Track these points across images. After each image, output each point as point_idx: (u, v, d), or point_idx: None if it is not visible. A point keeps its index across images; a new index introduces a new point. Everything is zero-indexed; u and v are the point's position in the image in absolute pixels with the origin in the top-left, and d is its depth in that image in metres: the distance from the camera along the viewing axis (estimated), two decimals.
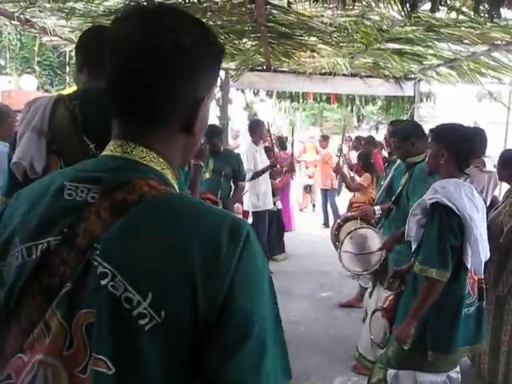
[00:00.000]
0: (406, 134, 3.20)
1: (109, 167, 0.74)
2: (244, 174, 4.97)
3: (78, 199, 0.72)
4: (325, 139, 9.30)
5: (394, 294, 2.62)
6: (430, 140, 2.38)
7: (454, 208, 2.11)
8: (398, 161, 3.85)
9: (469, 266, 2.19)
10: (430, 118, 9.16)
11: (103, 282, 0.65)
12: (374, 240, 3.36)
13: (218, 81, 0.86)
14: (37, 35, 4.97)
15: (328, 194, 8.43)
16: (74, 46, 5.40)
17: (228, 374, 0.65)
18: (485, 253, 2.24)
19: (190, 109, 0.77)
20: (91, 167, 0.77)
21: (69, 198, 0.73)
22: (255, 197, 5.72)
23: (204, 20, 4.44)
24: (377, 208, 3.78)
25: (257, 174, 5.56)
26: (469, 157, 2.33)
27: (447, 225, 2.13)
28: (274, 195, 6.48)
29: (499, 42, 4.44)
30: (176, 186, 0.80)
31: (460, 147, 2.28)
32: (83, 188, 0.73)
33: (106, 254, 0.67)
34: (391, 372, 2.38)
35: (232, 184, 4.81)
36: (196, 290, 0.65)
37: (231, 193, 4.80)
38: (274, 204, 6.53)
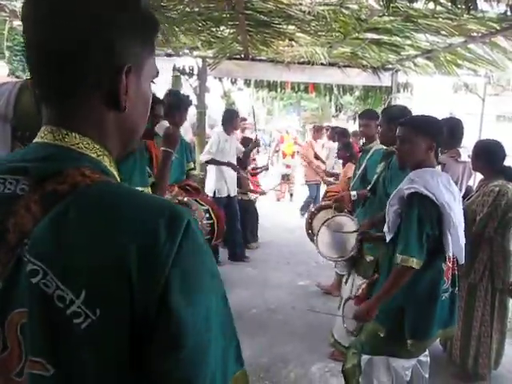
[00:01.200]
0: (393, 118, 3.12)
1: (39, 156, 0.69)
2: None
3: (7, 192, 0.67)
4: (317, 131, 8.84)
5: (367, 283, 2.65)
6: (404, 133, 2.33)
7: (433, 197, 2.14)
8: (372, 150, 3.90)
9: (450, 253, 2.23)
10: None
11: (34, 280, 0.61)
12: (350, 227, 3.39)
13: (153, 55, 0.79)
14: (7, 19, 4.82)
15: (318, 188, 8.44)
16: None
17: (169, 370, 0.63)
18: (462, 240, 2.28)
19: (110, 79, 0.71)
20: (20, 156, 0.71)
21: None
22: (219, 183, 5.75)
23: (181, 6, 4.38)
24: (353, 193, 3.84)
25: (216, 162, 5.64)
26: (443, 146, 2.37)
27: (426, 214, 2.15)
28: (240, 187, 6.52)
29: (475, 34, 4.50)
30: (116, 173, 0.76)
31: (443, 138, 2.31)
32: (12, 180, 0.68)
33: (36, 250, 0.63)
34: (365, 358, 2.41)
35: None
36: (131, 286, 0.61)
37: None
38: (246, 194, 6.58)
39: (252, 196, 6.70)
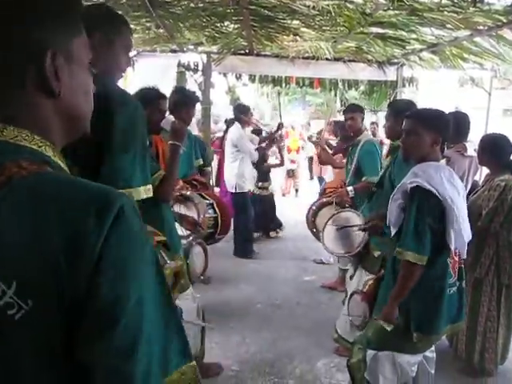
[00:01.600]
0: (399, 112, 3.10)
1: None
2: (210, 160, 5.05)
3: None
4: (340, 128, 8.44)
5: (374, 279, 2.64)
6: (411, 125, 2.33)
7: (435, 191, 2.13)
8: (362, 142, 3.91)
9: (452, 247, 2.22)
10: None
11: None
12: (356, 222, 3.38)
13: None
14: None
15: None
16: None
17: (100, 359, 0.63)
18: (467, 234, 2.27)
19: (36, 67, 0.71)
20: None
21: None
22: (241, 178, 5.77)
23: (185, 2, 4.37)
24: (349, 188, 3.85)
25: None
26: (449, 140, 2.36)
27: (427, 208, 2.14)
28: (266, 180, 6.58)
29: (482, 27, 4.46)
30: (63, 163, 0.76)
31: (449, 132, 2.30)
32: None
33: None
34: (370, 353, 2.41)
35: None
36: (61, 277, 0.62)
37: None
38: (267, 188, 6.65)
39: (272, 189, 6.90)
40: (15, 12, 0.70)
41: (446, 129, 2.30)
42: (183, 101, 3.65)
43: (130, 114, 1.52)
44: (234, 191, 5.77)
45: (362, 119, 4.14)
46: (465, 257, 2.36)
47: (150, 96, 2.75)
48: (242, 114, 5.80)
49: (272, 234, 6.97)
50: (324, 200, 4.20)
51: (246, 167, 5.82)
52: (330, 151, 5.67)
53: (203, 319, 3.04)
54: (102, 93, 1.50)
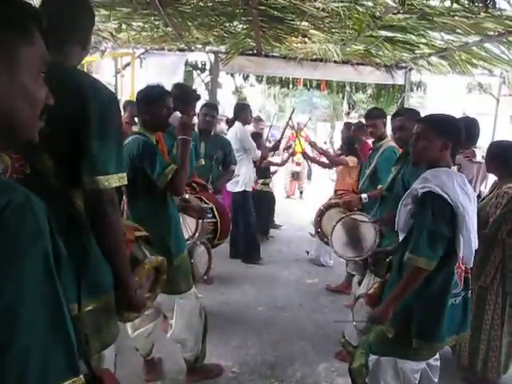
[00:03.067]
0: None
1: None
2: (235, 159, 4.99)
3: None
4: (348, 127, 7.32)
5: (379, 282, 2.62)
6: (422, 130, 2.31)
7: (447, 197, 2.11)
8: (383, 148, 3.86)
9: (460, 255, 2.19)
10: (419, 107, 9.16)
11: None
12: (367, 226, 3.36)
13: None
14: None
15: None
16: None
17: None
18: (475, 243, 2.24)
19: None
20: None
21: None
22: (249, 177, 5.75)
23: (194, 1, 4.36)
24: (364, 196, 3.79)
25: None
26: (462, 146, 2.33)
27: (439, 214, 2.12)
28: (266, 177, 6.57)
29: (492, 33, 4.43)
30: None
31: (461, 138, 2.28)
32: None
33: None
34: (372, 358, 2.39)
35: (221, 168, 4.85)
36: None
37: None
38: (268, 185, 6.68)
39: (271, 188, 6.92)
40: None
41: (457, 136, 2.28)
42: (181, 97, 3.63)
43: (104, 100, 1.51)
44: (233, 191, 5.68)
45: (384, 124, 4.05)
46: (471, 266, 2.33)
47: (155, 93, 2.75)
48: (240, 112, 5.67)
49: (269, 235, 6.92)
50: (332, 201, 4.17)
51: (248, 166, 5.77)
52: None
53: (205, 320, 3.03)
54: (71, 81, 1.50)
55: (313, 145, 6.01)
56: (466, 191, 2.19)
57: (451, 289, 2.22)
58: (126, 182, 1.57)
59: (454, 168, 2.31)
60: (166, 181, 2.60)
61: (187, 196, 3.33)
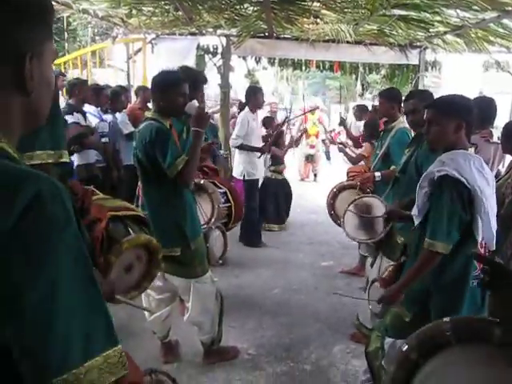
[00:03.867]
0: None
1: None
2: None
3: None
4: (362, 111, 7.13)
5: (394, 265, 2.61)
6: (432, 115, 2.27)
7: (464, 181, 2.08)
8: (395, 129, 3.82)
9: (479, 238, 2.17)
10: (434, 87, 9.02)
11: None
12: (379, 208, 3.34)
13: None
14: None
15: None
16: (71, 11, 5.27)
17: (15, 342, 0.65)
18: (494, 226, 2.22)
19: (14, 64, 0.75)
20: None
21: None
22: (250, 165, 5.68)
23: None
24: (377, 174, 3.78)
25: (248, 147, 5.57)
26: (475, 126, 2.29)
27: (457, 198, 2.09)
28: (279, 164, 6.46)
29: (510, 8, 4.31)
30: (16, 153, 0.77)
31: (473, 118, 2.23)
32: None
33: None
34: (388, 341, 2.39)
35: None
36: None
37: None
38: (281, 173, 6.54)
39: (284, 174, 6.71)
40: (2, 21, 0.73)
41: (468, 112, 2.23)
42: (189, 82, 3.61)
43: None
44: (242, 178, 5.66)
45: (399, 108, 3.96)
46: (493, 249, 2.30)
47: (171, 79, 2.74)
48: (251, 95, 5.61)
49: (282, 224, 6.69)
50: (346, 183, 4.15)
51: (249, 154, 5.67)
52: (353, 150, 5.66)
53: (221, 303, 3.06)
54: None
55: (344, 144, 5.91)
56: (484, 174, 2.16)
57: (471, 273, 2.21)
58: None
59: (471, 149, 2.27)
60: (175, 171, 2.61)
61: (202, 181, 3.35)
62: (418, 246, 2.25)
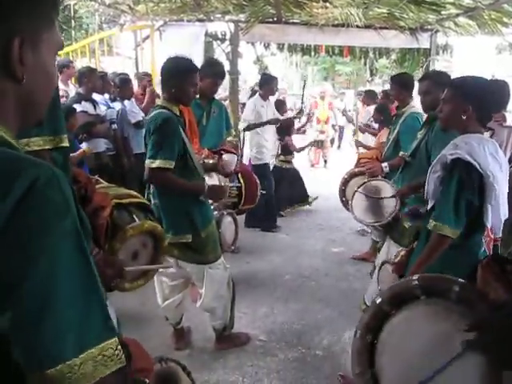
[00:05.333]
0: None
1: None
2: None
3: None
4: (370, 96, 7.22)
5: (406, 250, 2.60)
6: (446, 94, 2.25)
7: (477, 165, 2.05)
8: (405, 114, 3.78)
9: (489, 224, 2.15)
10: (446, 71, 8.88)
11: None
12: (387, 192, 3.32)
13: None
14: None
15: None
16: None
17: (10, 327, 0.65)
18: (504, 212, 2.19)
19: (1, 52, 0.74)
20: None
21: None
22: (256, 149, 5.68)
23: None
24: (384, 165, 3.75)
25: (254, 125, 5.55)
26: (491, 111, 2.23)
27: (467, 182, 2.07)
28: (289, 153, 6.45)
29: None
30: (17, 144, 0.77)
31: (484, 101, 2.18)
32: None
33: None
34: None
35: None
36: None
37: None
38: (290, 162, 6.52)
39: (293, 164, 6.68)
40: None
41: (478, 97, 2.17)
42: (207, 71, 3.61)
43: None
44: (252, 163, 5.66)
45: (410, 95, 3.94)
46: (499, 236, 2.28)
47: (182, 67, 2.71)
48: (265, 84, 5.64)
49: (298, 206, 6.78)
50: (356, 170, 4.14)
51: (266, 138, 5.70)
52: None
53: (233, 289, 3.08)
54: None
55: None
56: (498, 159, 2.12)
57: (480, 257, 2.19)
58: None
59: (487, 134, 2.23)
60: (153, 166, 2.60)
61: (211, 161, 3.32)
62: (429, 231, 2.24)
